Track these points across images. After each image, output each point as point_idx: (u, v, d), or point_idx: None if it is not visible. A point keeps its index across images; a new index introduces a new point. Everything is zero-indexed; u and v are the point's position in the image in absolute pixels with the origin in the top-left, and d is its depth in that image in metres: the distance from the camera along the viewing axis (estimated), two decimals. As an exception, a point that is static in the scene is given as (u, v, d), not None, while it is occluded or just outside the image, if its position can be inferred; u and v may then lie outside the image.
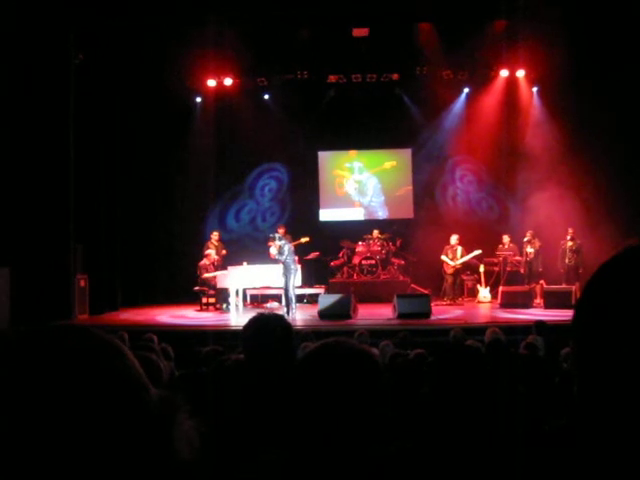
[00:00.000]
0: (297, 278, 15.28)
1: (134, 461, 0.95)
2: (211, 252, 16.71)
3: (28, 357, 0.96)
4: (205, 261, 16.52)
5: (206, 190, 19.64)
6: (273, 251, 14.93)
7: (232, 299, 15.80)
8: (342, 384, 1.65)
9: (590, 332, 0.98)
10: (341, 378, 1.66)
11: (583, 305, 1.02)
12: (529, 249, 16.69)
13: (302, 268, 16.60)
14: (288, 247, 14.65)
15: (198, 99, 19.88)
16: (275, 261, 15.28)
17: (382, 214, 20.78)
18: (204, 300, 16.57)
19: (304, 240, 16.06)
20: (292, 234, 16.38)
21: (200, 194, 19.58)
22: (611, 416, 0.95)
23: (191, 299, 17.18)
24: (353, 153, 20.83)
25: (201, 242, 17.70)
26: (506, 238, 17.36)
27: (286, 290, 14.71)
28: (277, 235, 14.93)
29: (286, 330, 3.35)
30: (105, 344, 1.02)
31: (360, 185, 20.83)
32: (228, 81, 18.98)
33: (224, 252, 17.63)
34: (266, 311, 3.66)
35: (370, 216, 20.71)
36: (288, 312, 14.28)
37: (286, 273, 14.60)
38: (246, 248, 18.47)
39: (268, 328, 3.29)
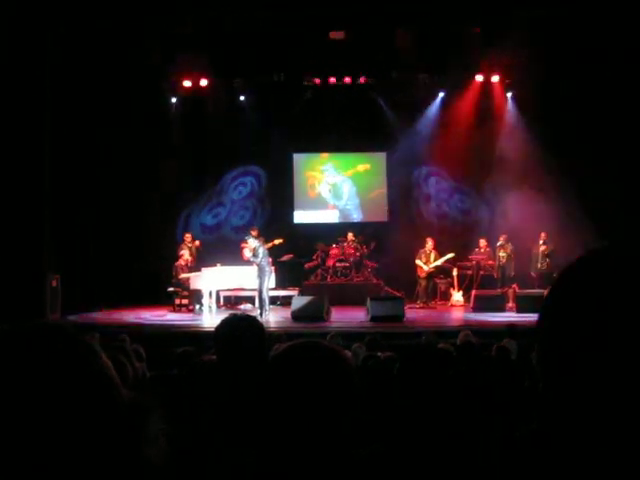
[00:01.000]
0: (271, 280, 15.28)
1: (100, 461, 0.94)
2: (184, 253, 16.65)
3: (2, 354, 0.95)
4: (180, 262, 16.47)
5: (181, 191, 19.54)
6: (247, 253, 14.92)
7: (205, 300, 15.76)
8: (314, 385, 1.64)
9: (553, 334, 1.00)
10: (313, 379, 1.65)
11: (547, 308, 1.03)
12: (501, 253, 16.81)
13: (276, 270, 16.60)
14: (262, 249, 14.64)
15: (173, 99, 19.79)
16: (248, 263, 15.25)
17: (356, 217, 20.80)
18: (177, 301, 16.52)
19: (277, 242, 16.04)
20: (266, 236, 16.35)
21: (175, 195, 19.48)
22: (576, 417, 0.95)
23: (165, 300, 17.10)
24: (328, 156, 20.81)
25: (175, 243, 17.63)
26: (483, 242, 17.45)
27: (260, 292, 14.70)
28: (251, 237, 14.89)
29: (259, 331, 3.35)
30: (78, 342, 1.02)
31: (334, 188, 20.83)
32: (203, 82, 18.90)
33: (197, 243, 17.53)
34: (239, 312, 3.65)
35: (344, 219, 20.71)
36: (262, 314, 14.27)
37: (260, 275, 14.59)
38: (220, 250, 18.41)
39: (241, 329, 3.28)
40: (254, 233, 16.71)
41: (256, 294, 15.39)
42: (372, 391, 4.72)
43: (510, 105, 19.33)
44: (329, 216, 20.76)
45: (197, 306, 16.09)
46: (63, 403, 0.93)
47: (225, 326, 3.35)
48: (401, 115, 19.48)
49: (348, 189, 20.83)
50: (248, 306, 16.82)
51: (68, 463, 0.92)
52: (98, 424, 0.96)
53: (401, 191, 20.04)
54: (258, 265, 14.54)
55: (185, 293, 16.41)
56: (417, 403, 2.79)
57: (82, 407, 0.95)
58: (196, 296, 16.08)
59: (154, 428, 1.02)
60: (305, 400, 1.63)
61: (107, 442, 0.96)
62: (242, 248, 17.50)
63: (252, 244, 14.65)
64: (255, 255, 14.51)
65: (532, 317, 12.81)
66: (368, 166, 20.81)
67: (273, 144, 19.39)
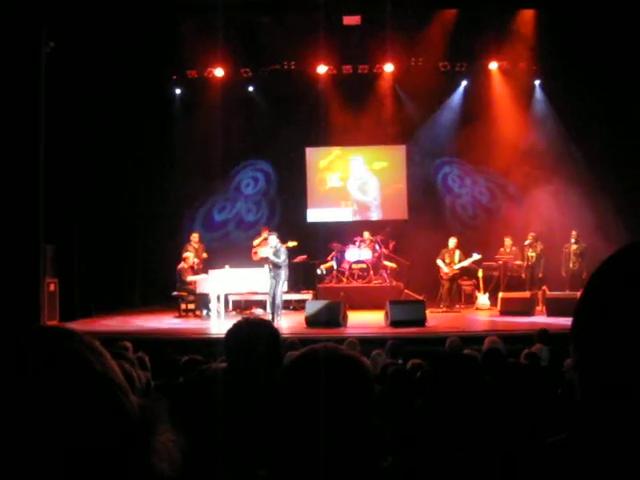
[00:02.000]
0: (284, 283, 15.30)
1: (107, 474, 0.95)
2: (189, 255, 16.64)
3: (13, 357, 0.96)
4: (183, 264, 16.46)
5: (186, 188, 19.59)
6: (265, 252, 14.88)
7: (213, 305, 15.77)
8: (331, 394, 1.64)
9: (591, 336, 0.97)
10: (330, 387, 1.65)
11: (583, 307, 1.01)
12: (530, 253, 16.74)
13: (289, 271, 16.59)
14: (284, 249, 14.72)
15: (177, 91, 19.86)
16: (259, 264, 15.28)
17: (374, 215, 20.77)
18: (183, 306, 16.54)
19: (292, 244, 16.07)
20: (278, 236, 16.41)
21: (180, 193, 19.55)
22: (616, 425, 0.94)
23: (169, 305, 17.16)
24: (343, 149, 20.79)
25: (181, 244, 17.63)
26: (508, 241, 17.38)
27: (274, 295, 14.72)
28: (273, 236, 14.89)
29: (274, 337, 3.34)
30: (84, 344, 1.03)
31: (350, 184, 20.81)
32: (210, 72, 18.95)
33: (205, 255, 17.61)
34: (251, 316, 3.64)
35: (361, 217, 20.69)
36: (274, 319, 14.30)
37: (276, 277, 14.63)
38: (228, 250, 18.43)
39: (254, 334, 3.26)
40: (265, 233, 16.77)
41: (267, 298, 15.40)
42: (393, 400, 4.73)
43: (538, 93, 19.27)
44: (344, 214, 20.74)
45: (204, 311, 16.11)
46: (69, 410, 0.95)
47: (237, 330, 3.33)
48: (422, 105, 19.47)
49: (364, 185, 20.80)
50: (259, 311, 16.83)
51: (73, 474, 0.93)
52: (106, 432, 0.97)
53: (422, 186, 20.02)
54: (279, 266, 14.57)
55: (191, 298, 16.42)
56: (441, 413, 2.79)
57: (89, 414, 0.96)
58: (203, 301, 16.09)
59: (166, 439, 1.03)
60: (322, 410, 1.62)
61: (115, 453, 0.98)
62: (252, 248, 17.55)
63: (273, 242, 14.67)
64: (277, 255, 14.55)
65: (564, 321, 12.78)
66: (387, 160, 20.78)
67: (284, 137, 19.40)
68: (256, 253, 17.61)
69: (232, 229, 20.57)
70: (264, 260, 15.86)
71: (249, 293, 16.73)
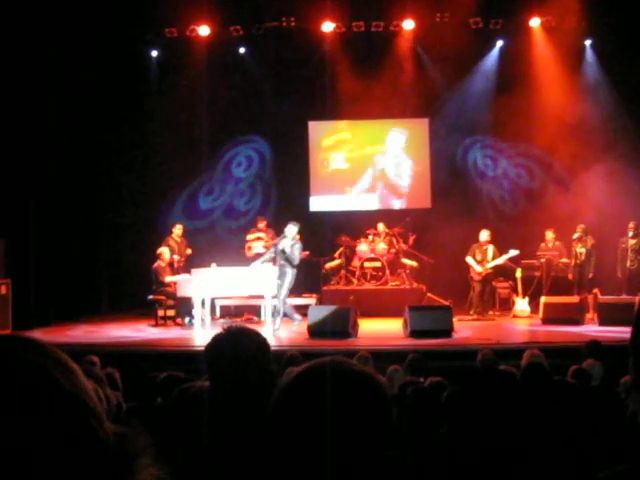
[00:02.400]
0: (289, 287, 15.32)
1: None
2: (163, 250, 16.56)
3: None
4: (159, 262, 16.44)
5: (165, 171, 19.55)
6: (285, 244, 14.81)
7: (197, 311, 15.77)
8: (339, 418, 1.63)
9: None
10: (338, 410, 1.64)
11: None
12: (579, 249, 16.67)
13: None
14: (299, 246, 14.77)
15: (154, 53, 19.83)
16: (252, 261, 15.34)
17: (390, 202, 20.76)
18: (161, 312, 16.53)
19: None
20: (276, 228, 16.42)
21: (158, 176, 19.52)
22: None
23: (144, 311, 17.17)
24: (353, 124, 20.78)
25: (159, 237, 17.58)
26: (550, 234, 17.34)
27: (279, 297, 14.82)
28: (293, 226, 14.89)
29: (261, 350, 3.34)
30: (53, 358, 1.02)
31: (363, 165, 20.79)
32: (192, 30, 18.91)
33: (188, 251, 17.61)
34: (234, 324, 3.63)
35: (375, 205, 20.68)
36: (274, 327, 14.44)
37: (282, 277, 14.72)
38: (215, 245, 18.44)
39: (236, 348, 3.28)
40: (261, 224, 16.78)
41: (266, 302, 15.41)
42: (413, 427, 4.73)
43: (589, 55, 19.22)
44: (354, 202, 20.73)
45: (186, 319, 16.12)
46: (28, 439, 0.94)
47: (216, 344, 3.35)
48: (448, 70, 19.42)
49: (380, 167, 20.77)
50: (253, 318, 16.84)
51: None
52: (75, 468, 0.96)
53: (448, 168, 19.99)
54: (292, 264, 14.71)
55: (170, 302, 16.42)
56: (472, 442, 2.78)
57: (54, 445, 0.95)
58: (184, 306, 16.09)
59: (147, 473, 1.02)
60: (328, 439, 1.62)
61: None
62: (246, 242, 17.55)
63: (292, 232, 14.73)
64: (290, 252, 14.61)
65: (620, 331, 12.76)
66: (406, 136, 20.74)
67: (282, 109, 19.39)
68: (250, 248, 17.62)
69: (220, 219, 20.57)
70: (261, 257, 15.90)
71: (240, 297, 16.73)
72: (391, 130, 20.75)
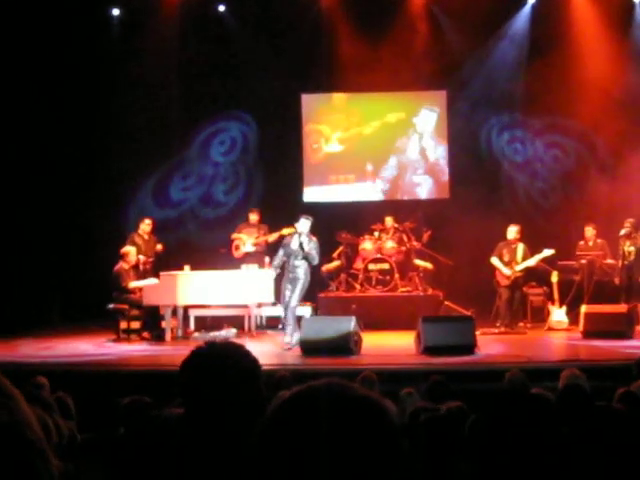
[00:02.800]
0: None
1: None
2: (130, 250, 16.55)
3: None
4: (122, 264, 16.41)
5: (129, 154, 19.52)
6: (303, 240, 14.88)
7: (166, 323, 15.79)
8: (337, 453, 1.62)
9: None
10: (335, 443, 1.62)
11: None
12: (628, 247, 16.65)
13: (276, 275, 16.62)
14: (316, 244, 14.85)
15: (115, 12, 19.80)
16: (240, 262, 15.42)
17: (402, 192, 20.80)
18: (123, 325, 16.53)
19: (286, 232, 16.13)
20: (266, 222, 16.50)
21: (120, 160, 19.49)
22: None
23: (104, 323, 17.15)
24: (355, 97, 20.81)
25: (123, 234, 17.58)
26: (590, 231, 17.32)
27: (287, 306, 14.98)
28: (306, 220, 15.02)
29: (250, 368, 3.31)
30: None
31: (367, 147, 20.82)
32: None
33: (159, 247, 17.59)
34: (217, 339, 3.61)
35: (382, 195, 20.72)
36: (291, 339, 14.69)
37: (294, 281, 14.88)
38: (189, 243, 18.44)
39: (222, 366, 3.24)
40: (253, 217, 16.86)
41: (247, 312, 15.44)
42: (427, 462, 4.72)
43: (639, 19, 19.25)
44: (357, 191, 20.75)
45: (154, 332, 16.12)
46: None
47: (197, 360, 3.31)
48: (470, 33, 19.41)
49: (387, 149, 20.80)
50: (232, 331, 16.85)
51: None
52: None
53: (470, 150, 20.02)
54: (308, 263, 14.91)
55: (135, 312, 16.41)
56: (500, 477, 2.77)
57: None
58: (152, 317, 16.10)
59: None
60: (325, 473, 1.60)
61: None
62: (233, 240, 17.58)
63: (306, 227, 14.80)
64: (309, 250, 14.72)
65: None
66: (421, 113, 20.79)
67: (271, 80, 19.37)
68: (238, 247, 17.65)
69: (194, 211, 20.56)
70: (251, 257, 15.99)
71: (219, 307, 16.74)
72: (359, 108, 20.90)
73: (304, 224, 14.95)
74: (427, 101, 20.78)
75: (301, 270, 14.90)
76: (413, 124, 20.74)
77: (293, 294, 14.87)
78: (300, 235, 14.93)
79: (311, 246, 14.82)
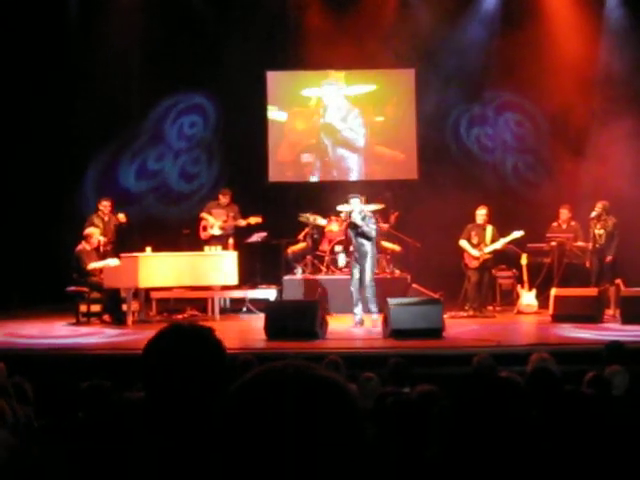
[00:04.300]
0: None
1: None
2: (93, 231, 16.50)
3: None
4: (85, 245, 16.33)
5: (87, 134, 19.41)
6: (355, 218, 15.09)
7: (128, 306, 15.74)
8: (300, 436, 1.62)
9: None
10: (299, 426, 1.62)
11: None
12: (598, 230, 16.69)
13: (240, 257, 16.59)
14: (371, 217, 15.47)
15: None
16: (206, 243, 15.50)
17: (367, 172, 20.80)
18: (83, 308, 16.46)
19: (254, 221, 16.19)
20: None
21: (78, 140, 19.37)
22: None
23: (63, 306, 17.07)
24: (322, 74, 20.77)
25: (80, 217, 17.51)
26: (565, 213, 17.32)
27: (360, 282, 15.46)
28: (355, 198, 15.36)
29: (215, 351, 3.30)
30: None
31: (331, 127, 20.81)
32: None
33: (121, 217, 17.49)
34: (182, 321, 3.61)
35: (348, 176, 20.71)
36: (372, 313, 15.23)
37: (362, 259, 15.37)
38: (150, 224, 18.38)
39: (187, 348, 3.22)
40: (224, 199, 16.93)
41: (212, 295, 15.41)
42: (393, 447, 4.73)
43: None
44: (323, 172, 20.75)
45: (114, 315, 16.06)
46: None
47: (162, 342, 3.29)
48: (439, 10, 19.41)
49: (354, 128, 20.81)
50: (195, 314, 16.85)
51: None
52: None
53: (439, 131, 20.02)
54: (370, 239, 15.27)
55: (95, 295, 16.33)
56: (466, 465, 2.78)
57: None
58: (113, 300, 16.04)
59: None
60: (287, 462, 1.60)
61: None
62: (201, 220, 17.56)
63: (356, 204, 15.21)
64: (365, 225, 15.17)
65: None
66: (385, 92, 20.79)
67: (233, 56, 19.27)
68: (205, 228, 17.62)
69: (154, 192, 20.47)
70: (216, 239, 16.03)
71: (182, 288, 16.71)
72: (326, 85, 20.97)
73: (355, 201, 15.44)
74: (395, 78, 20.82)
75: (366, 245, 15.24)
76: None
77: (365, 270, 15.27)
78: (352, 214, 15.32)
79: (367, 219, 15.26)
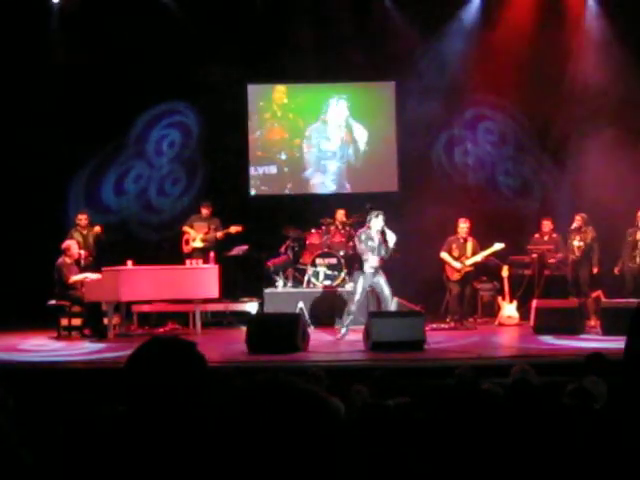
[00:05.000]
0: None
1: None
2: (71, 244, 16.45)
3: None
4: (65, 258, 16.30)
5: (66, 148, 19.32)
6: (390, 238, 15.14)
7: (109, 320, 15.71)
8: (280, 450, 1.63)
9: None
10: (278, 440, 1.63)
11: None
12: (577, 242, 16.76)
13: (221, 270, 16.58)
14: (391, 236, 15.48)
15: (55, -1, 19.69)
16: (188, 256, 15.48)
17: (348, 184, 20.83)
18: (64, 322, 16.42)
19: (234, 230, 16.18)
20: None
21: (57, 154, 19.30)
22: None
23: (44, 321, 17.01)
24: (302, 87, 20.82)
25: (62, 231, 17.48)
26: (547, 225, 17.38)
27: (386, 300, 15.57)
28: (379, 216, 15.34)
29: (197, 365, 3.31)
30: None
31: (313, 139, 20.83)
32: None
33: (97, 229, 17.46)
34: (163, 335, 3.60)
35: (329, 188, 20.74)
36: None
37: (377, 273, 15.55)
38: (131, 238, 18.35)
39: (169, 362, 3.23)
40: (205, 211, 16.92)
41: (193, 308, 15.41)
42: (374, 460, 4.74)
43: (592, 9, 19.35)
44: (304, 185, 20.78)
45: (95, 329, 16.02)
46: None
47: (143, 356, 3.30)
48: (419, 23, 19.46)
49: (334, 141, 20.84)
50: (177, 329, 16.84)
51: None
52: None
53: (420, 143, 20.03)
54: (379, 259, 15.45)
55: (76, 309, 16.29)
56: (447, 474, 2.80)
57: None
58: (93, 313, 16.00)
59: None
60: (269, 472, 1.61)
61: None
62: (184, 234, 17.55)
63: (378, 225, 15.21)
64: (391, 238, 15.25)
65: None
66: (366, 103, 20.83)
67: (214, 69, 19.26)
68: (188, 241, 17.62)
69: (134, 206, 20.42)
70: (198, 252, 16.05)
71: (163, 302, 16.68)
72: (306, 98, 21.07)
73: (379, 221, 15.49)
74: (375, 91, 20.88)
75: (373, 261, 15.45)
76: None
77: (387, 284, 15.46)
78: (373, 229, 15.48)
79: (389, 233, 15.43)
